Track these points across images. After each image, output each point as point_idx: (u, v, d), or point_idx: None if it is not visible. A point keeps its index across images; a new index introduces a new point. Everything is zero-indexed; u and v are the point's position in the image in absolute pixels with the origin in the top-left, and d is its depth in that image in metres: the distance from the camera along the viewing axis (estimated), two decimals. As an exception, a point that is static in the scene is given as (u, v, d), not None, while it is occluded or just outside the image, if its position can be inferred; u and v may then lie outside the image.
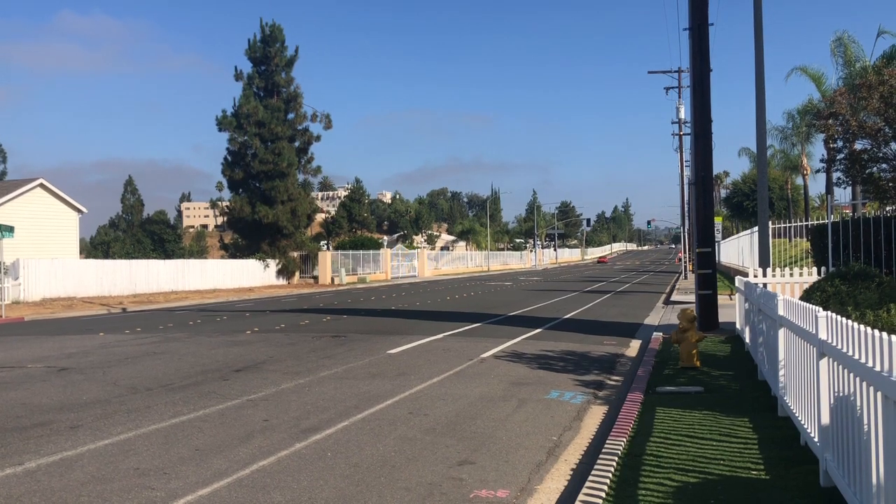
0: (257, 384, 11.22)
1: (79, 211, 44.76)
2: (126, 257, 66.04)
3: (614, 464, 6.46)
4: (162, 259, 57.36)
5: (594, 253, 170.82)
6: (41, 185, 42.42)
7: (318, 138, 54.34)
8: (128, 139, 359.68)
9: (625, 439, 7.29)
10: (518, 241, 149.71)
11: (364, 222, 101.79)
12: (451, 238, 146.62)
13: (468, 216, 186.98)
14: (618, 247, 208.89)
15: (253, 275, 50.08)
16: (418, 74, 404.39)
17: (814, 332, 5.87)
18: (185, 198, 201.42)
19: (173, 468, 6.78)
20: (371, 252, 62.94)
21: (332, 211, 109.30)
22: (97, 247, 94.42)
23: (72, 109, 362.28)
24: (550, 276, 63.72)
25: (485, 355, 14.05)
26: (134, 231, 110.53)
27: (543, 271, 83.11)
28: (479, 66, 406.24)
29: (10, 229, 28.49)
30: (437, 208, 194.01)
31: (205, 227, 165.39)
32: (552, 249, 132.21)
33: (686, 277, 47.01)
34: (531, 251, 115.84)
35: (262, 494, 6.02)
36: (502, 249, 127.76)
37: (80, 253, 47.61)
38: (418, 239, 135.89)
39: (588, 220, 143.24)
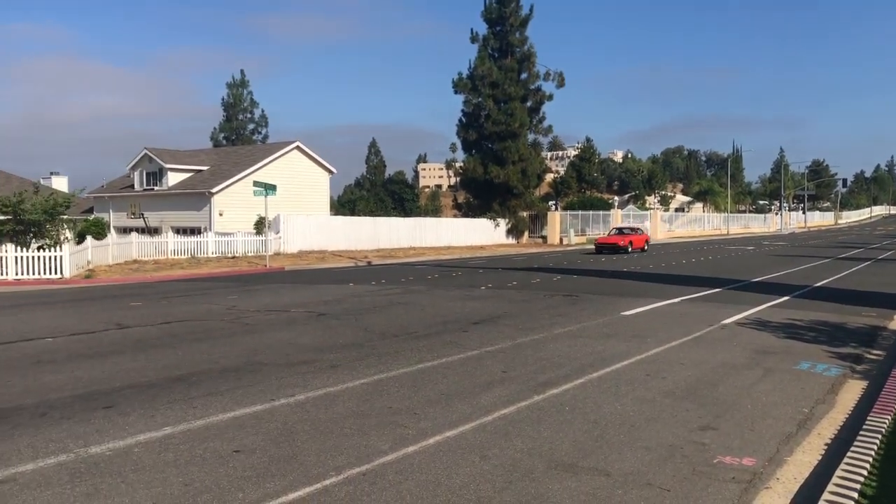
0: (494, 337, 11.63)
1: (329, 171, 48.51)
2: (369, 215, 70.69)
3: (877, 442, 5.96)
4: (401, 217, 60.72)
5: (849, 217, 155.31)
6: (297, 148, 46.45)
7: (549, 97, 54.24)
8: (371, 104, 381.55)
9: (889, 417, 6.69)
10: (761, 202, 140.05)
11: (594, 182, 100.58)
12: (687, 199, 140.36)
13: (706, 176, 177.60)
14: (879, 210, 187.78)
15: (484, 233, 51.50)
16: (654, 27, 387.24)
17: None
18: (422, 159, 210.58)
19: (422, 409, 7.27)
20: (601, 213, 62.15)
21: (562, 171, 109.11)
22: (344, 205, 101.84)
23: (320, 76, 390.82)
24: (798, 241, 59.10)
25: (726, 321, 13.45)
26: (376, 190, 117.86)
27: (790, 236, 77.23)
28: (721, 15, 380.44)
29: (273, 188, 31.59)
30: (672, 167, 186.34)
31: (439, 187, 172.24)
32: (800, 212, 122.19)
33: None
34: (776, 214, 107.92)
35: (505, 440, 6.29)
36: (743, 212, 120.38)
37: (330, 210, 51.63)
38: (651, 199, 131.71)
39: (844, 181, 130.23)
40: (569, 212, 59.90)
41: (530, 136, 54.48)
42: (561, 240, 54.32)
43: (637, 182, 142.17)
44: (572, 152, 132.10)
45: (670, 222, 76.06)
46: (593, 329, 12.59)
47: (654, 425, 6.81)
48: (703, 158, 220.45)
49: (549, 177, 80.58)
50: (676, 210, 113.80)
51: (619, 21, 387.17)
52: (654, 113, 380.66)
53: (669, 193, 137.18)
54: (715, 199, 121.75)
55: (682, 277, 23.55)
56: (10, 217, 26.46)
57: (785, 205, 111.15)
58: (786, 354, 10.31)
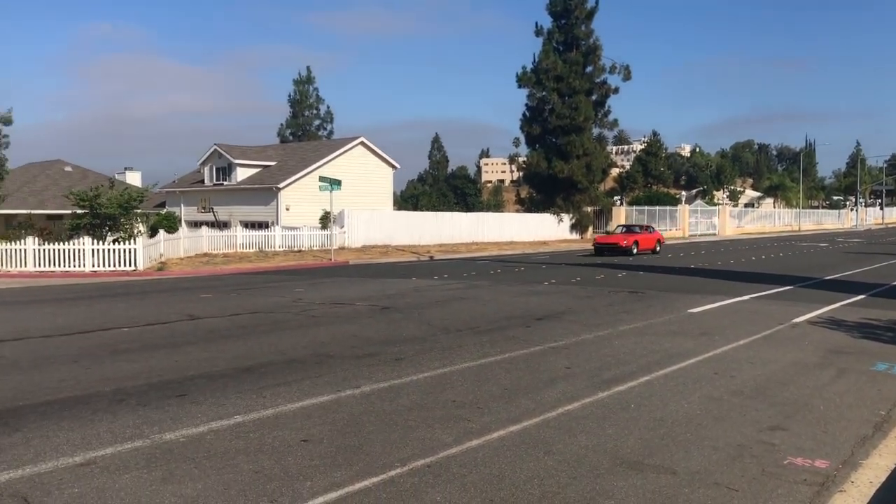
0: (558, 333, 11.58)
1: (392, 166, 48.88)
2: (431, 210, 71.02)
3: (960, 448, 5.73)
4: (463, 212, 60.83)
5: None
6: (362, 143, 46.95)
7: (615, 91, 53.51)
8: (434, 99, 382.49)
9: (973, 422, 6.42)
10: (836, 198, 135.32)
11: (660, 177, 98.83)
12: (757, 194, 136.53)
13: (776, 170, 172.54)
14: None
15: (547, 228, 51.18)
16: (723, 17, 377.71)
17: None
18: (484, 154, 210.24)
19: (485, 403, 7.29)
20: (667, 208, 61.05)
21: (627, 165, 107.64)
22: (407, 200, 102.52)
23: (384, 72, 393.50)
24: (875, 238, 57.01)
25: (797, 320, 13.08)
26: (439, 185, 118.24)
27: (866, 232, 74.52)
28: (794, 2, 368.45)
29: (338, 183, 32.03)
30: (741, 162, 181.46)
31: (501, 181, 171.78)
32: (877, 208, 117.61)
33: None
34: (851, 210, 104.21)
35: (569, 436, 6.26)
36: (816, 207, 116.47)
37: (393, 205, 52.06)
38: (719, 195, 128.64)
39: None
40: (634, 207, 59.04)
41: (595, 130, 53.89)
42: (625, 235, 53.58)
43: (705, 177, 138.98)
44: (638, 146, 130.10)
45: (739, 218, 74.19)
46: (659, 326, 12.41)
47: (721, 424, 6.69)
48: (774, 152, 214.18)
49: (615, 171, 79.49)
50: (746, 206, 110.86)
51: (687, 11, 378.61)
52: (724, 105, 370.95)
53: (739, 189, 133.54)
54: (786, 195, 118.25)
55: (751, 275, 22.99)
56: (87, 211, 27.49)
57: (861, 200, 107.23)
58: (861, 355, 9.98)
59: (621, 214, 54.89)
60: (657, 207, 59.81)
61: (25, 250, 25.79)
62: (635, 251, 34.58)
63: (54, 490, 5.01)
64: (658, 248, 36.96)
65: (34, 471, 5.38)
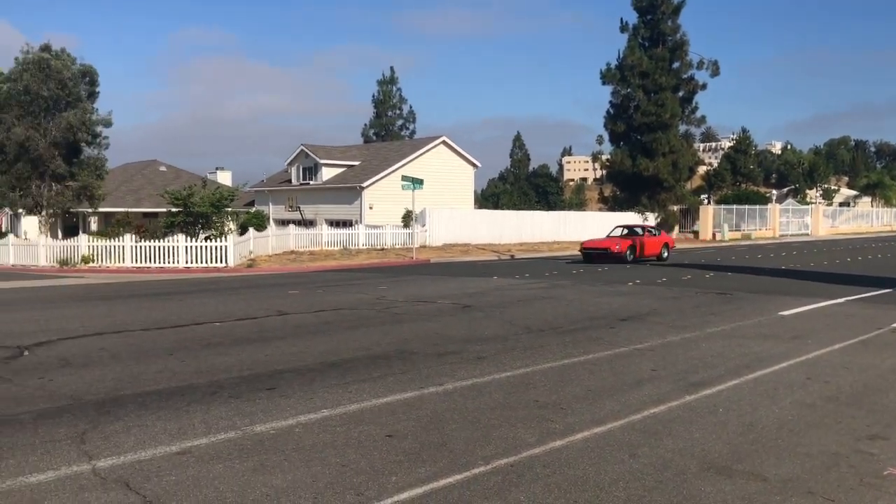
0: (643, 334, 11.38)
1: (474, 165, 49.00)
2: (513, 208, 70.83)
3: None
4: (544, 210, 60.44)
5: None
6: (443, 143, 47.24)
7: (703, 87, 52.25)
8: (516, 97, 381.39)
9: None
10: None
11: (749, 175, 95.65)
12: (853, 193, 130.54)
13: (875, 168, 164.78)
14: None
15: (631, 228, 50.29)
16: (814, 9, 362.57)
17: None
18: (566, 152, 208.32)
19: (568, 404, 7.25)
20: (757, 207, 59.16)
21: (715, 163, 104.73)
22: (487, 198, 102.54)
23: (466, 70, 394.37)
24: (982, 239, 53.81)
25: (897, 324, 12.49)
26: (520, 184, 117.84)
27: (972, 233, 70.40)
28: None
29: (420, 182, 32.32)
30: (836, 159, 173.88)
31: (584, 180, 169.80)
32: None
33: None
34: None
35: (654, 439, 6.16)
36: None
37: (474, 204, 52.17)
38: (812, 193, 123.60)
39: None
40: (722, 206, 57.43)
41: (682, 127, 52.77)
42: (714, 235, 52.21)
43: (797, 175, 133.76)
44: (727, 143, 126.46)
45: (833, 217, 71.19)
46: (749, 329, 12.05)
47: (815, 431, 6.45)
48: (873, 149, 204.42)
49: (702, 169, 77.43)
50: (841, 204, 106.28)
51: (777, 3, 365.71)
52: (817, 100, 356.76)
53: (833, 187, 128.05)
54: (885, 194, 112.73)
55: (846, 276, 22.05)
56: (181, 209, 28.59)
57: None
58: (969, 362, 9.45)
59: (708, 213, 53.48)
60: (746, 206, 57.99)
61: (124, 247, 27.02)
62: (631, 257, 28.95)
63: (153, 477, 5.25)
64: (666, 254, 30.95)
65: (135, 458, 5.65)
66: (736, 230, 54.12)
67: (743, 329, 12.02)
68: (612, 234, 32.14)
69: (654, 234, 32.07)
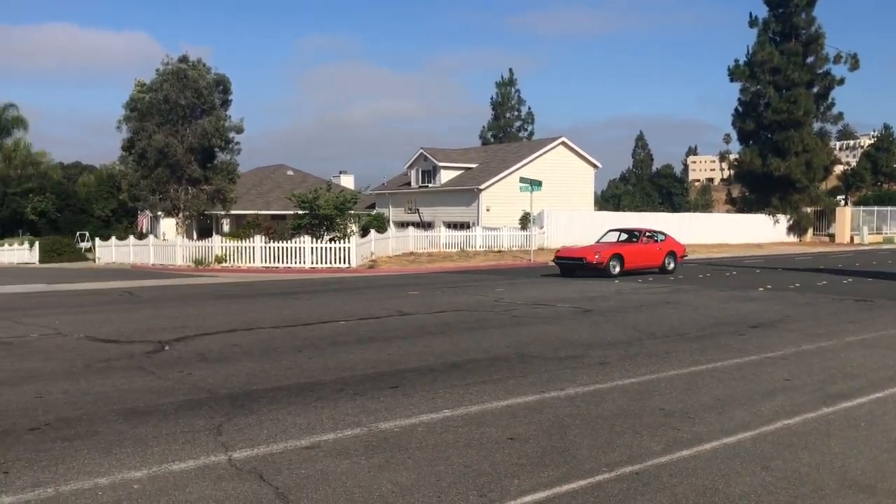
0: (774, 342, 10.87)
1: (594, 166, 48.25)
2: (635, 210, 69.33)
3: None
4: (668, 212, 58.77)
5: None
6: (563, 143, 46.77)
7: (840, 82, 49.36)
8: (637, 95, 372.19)
9: None
10: None
11: (892, 174, 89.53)
12: None
13: None
14: None
15: (760, 230, 48.18)
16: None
17: None
18: (692, 151, 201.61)
19: (696, 413, 7.01)
20: (901, 209, 55.26)
21: (853, 162, 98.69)
22: (608, 200, 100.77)
23: (586, 69, 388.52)
24: None
25: None
26: (642, 185, 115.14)
27: None
28: None
29: (539, 183, 32.17)
30: None
31: (710, 180, 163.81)
32: None
33: None
34: None
35: (788, 451, 5.87)
36: None
37: (594, 205, 51.36)
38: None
39: None
40: (861, 207, 54.06)
41: (816, 125, 50.01)
42: (852, 238, 49.21)
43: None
44: (866, 141, 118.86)
45: None
46: (892, 339, 11.28)
47: (972, 452, 5.96)
48: None
49: (838, 169, 73.09)
50: None
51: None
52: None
53: None
54: None
55: None
56: (307, 212, 29.67)
57: None
58: None
59: (846, 215, 50.45)
60: (889, 208, 54.33)
61: (254, 248, 28.30)
62: (617, 269, 23.20)
63: (284, 469, 5.46)
64: (672, 266, 24.89)
65: (267, 451, 5.89)
66: (877, 233, 50.80)
67: (887, 338, 11.27)
68: (602, 240, 26.78)
69: (657, 241, 25.64)
